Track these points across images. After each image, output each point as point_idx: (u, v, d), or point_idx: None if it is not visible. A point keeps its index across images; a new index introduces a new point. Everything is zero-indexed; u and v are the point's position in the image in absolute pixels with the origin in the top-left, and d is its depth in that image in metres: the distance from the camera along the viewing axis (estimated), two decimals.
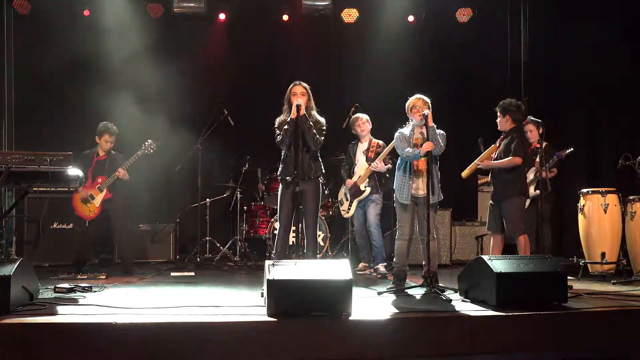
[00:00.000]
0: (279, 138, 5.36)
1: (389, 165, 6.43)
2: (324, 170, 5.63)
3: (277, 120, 5.45)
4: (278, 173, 5.52)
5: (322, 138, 5.38)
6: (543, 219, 5.52)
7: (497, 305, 4.13)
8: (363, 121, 6.63)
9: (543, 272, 4.31)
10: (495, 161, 5.57)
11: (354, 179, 6.65)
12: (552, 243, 6.67)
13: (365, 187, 6.57)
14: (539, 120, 5.67)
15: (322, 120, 5.44)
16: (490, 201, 5.69)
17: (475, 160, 5.68)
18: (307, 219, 5.33)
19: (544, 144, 5.95)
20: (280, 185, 5.51)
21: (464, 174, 5.85)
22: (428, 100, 5.28)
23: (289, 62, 8.18)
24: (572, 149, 6.47)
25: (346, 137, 6.90)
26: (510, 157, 5.44)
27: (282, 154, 5.47)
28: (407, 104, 5.34)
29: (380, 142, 6.62)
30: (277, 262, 4.15)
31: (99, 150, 6.58)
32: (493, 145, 5.54)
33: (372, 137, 6.68)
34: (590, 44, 7.63)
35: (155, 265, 7.27)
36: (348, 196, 6.73)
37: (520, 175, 5.55)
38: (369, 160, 6.56)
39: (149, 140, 6.52)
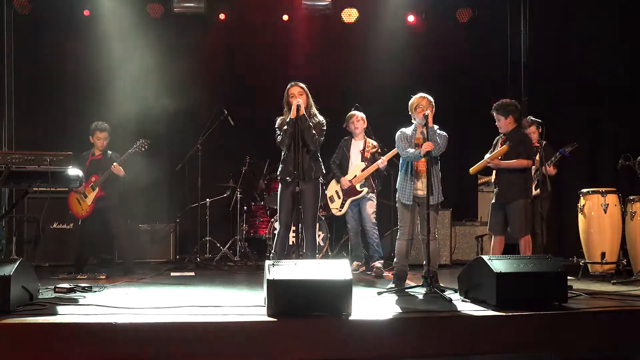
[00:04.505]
0: (279, 138, 5.38)
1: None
2: (324, 171, 5.64)
3: (278, 121, 5.47)
4: (278, 173, 5.53)
5: (322, 138, 5.40)
6: (543, 219, 5.51)
7: (497, 305, 4.13)
8: (358, 119, 6.63)
9: (543, 272, 4.31)
10: (505, 161, 5.50)
11: (349, 177, 6.64)
12: (550, 242, 6.67)
13: (361, 187, 6.57)
14: (539, 120, 5.67)
15: (323, 119, 5.45)
16: (494, 201, 5.66)
17: (486, 158, 5.59)
18: (306, 219, 5.34)
19: (544, 142, 5.96)
20: (280, 186, 5.52)
21: (473, 170, 5.72)
22: (432, 100, 5.28)
23: (288, 62, 8.17)
24: (575, 144, 6.46)
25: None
26: (521, 159, 5.43)
27: (282, 154, 5.49)
28: (410, 102, 5.34)
29: (374, 142, 6.63)
30: (277, 262, 4.15)
31: (95, 150, 6.60)
32: (505, 145, 5.49)
33: (366, 137, 6.68)
34: (590, 44, 7.63)
35: (155, 265, 7.27)
36: (340, 194, 6.72)
37: (527, 176, 5.54)
38: (365, 160, 6.56)
39: (141, 139, 6.53)
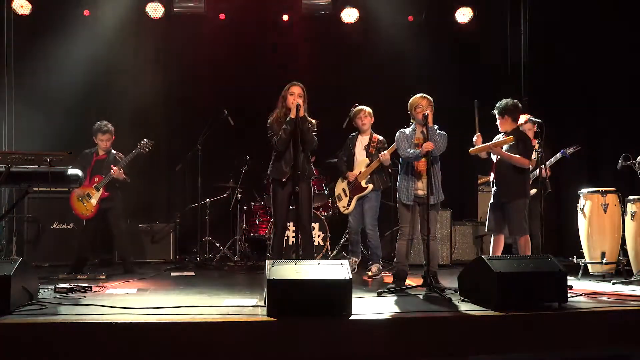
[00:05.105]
0: (276, 138, 5.35)
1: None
2: (314, 172, 5.65)
3: (270, 120, 5.46)
4: (269, 173, 5.52)
5: (316, 139, 5.43)
6: (542, 218, 5.51)
7: (497, 305, 4.13)
8: (366, 114, 6.55)
9: (543, 272, 4.31)
10: (507, 153, 5.43)
11: (355, 173, 6.62)
12: (550, 242, 6.65)
13: (367, 184, 6.55)
14: (539, 120, 5.65)
15: (314, 121, 5.49)
16: (492, 201, 5.64)
17: (490, 143, 5.49)
18: (304, 218, 5.35)
19: (542, 142, 5.95)
20: (273, 186, 5.51)
21: (473, 150, 5.56)
22: (432, 99, 5.27)
23: (288, 62, 8.18)
24: (578, 147, 6.45)
25: (346, 138, 6.89)
26: (522, 157, 5.39)
27: (274, 154, 5.48)
28: (410, 102, 5.34)
29: (381, 137, 6.60)
30: (277, 262, 4.16)
31: (99, 150, 6.58)
32: (511, 136, 5.45)
33: (372, 132, 6.65)
34: (590, 44, 7.63)
35: (155, 265, 7.27)
36: (347, 192, 6.70)
37: (525, 176, 5.53)
38: (370, 156, 6.54)
39: (145, 140, 6.52)
